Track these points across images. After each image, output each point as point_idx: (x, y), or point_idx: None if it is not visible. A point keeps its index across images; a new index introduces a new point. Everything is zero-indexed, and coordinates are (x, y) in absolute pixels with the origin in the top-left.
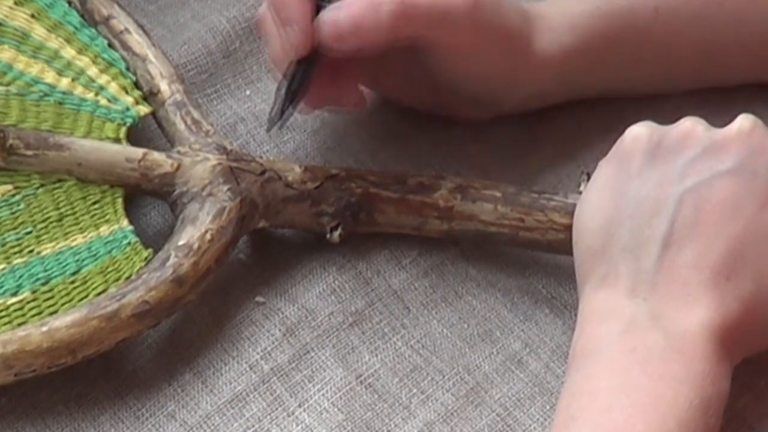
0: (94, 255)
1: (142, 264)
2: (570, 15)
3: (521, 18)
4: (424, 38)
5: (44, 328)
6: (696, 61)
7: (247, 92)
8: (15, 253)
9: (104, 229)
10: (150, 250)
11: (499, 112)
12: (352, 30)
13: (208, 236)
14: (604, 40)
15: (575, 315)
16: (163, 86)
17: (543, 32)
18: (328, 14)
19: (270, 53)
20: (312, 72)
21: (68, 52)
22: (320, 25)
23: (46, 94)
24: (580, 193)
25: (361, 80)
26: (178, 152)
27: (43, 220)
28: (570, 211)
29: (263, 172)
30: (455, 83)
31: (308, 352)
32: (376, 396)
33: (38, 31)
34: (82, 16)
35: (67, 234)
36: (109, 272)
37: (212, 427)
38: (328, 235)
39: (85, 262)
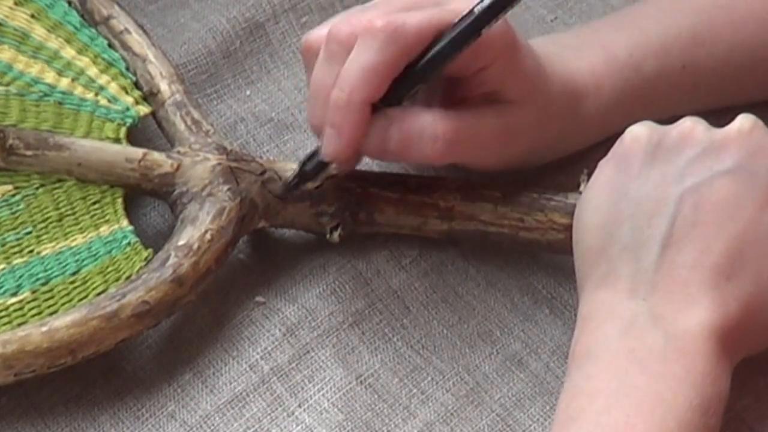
0: (94, 255)
1: (142, 264)
2: (605, 99)
3: (560, 117)
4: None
5: (44, 329)
6: (715, 99)
7: (247, 92)
8: (15, 253)
9: (104, 230)
10: (150, 250)
11: (546, 162)
12: (395, 153)
13: (208, 236)
14: (632, 107)
15: (575, 315)
16: (163, 86)
17: (587, 99)
18: (380, 127)
19: (310, 115)
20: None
21: (68, 53)
22: (368, 132)
23: (46, 94)
24: (580, 193)
25: None
26: (178, 152)
27: (43, 221)
28: (570, 211)
29: (263, 172)
30: (510, 163)
31: (308, 352)
32: (376, 396)
33: (38, 31)
34: (82, 16)
35: (67, 234)
36: (109, 272)
37: (212, 427)
38: (327, 235)
39: (85, 262)
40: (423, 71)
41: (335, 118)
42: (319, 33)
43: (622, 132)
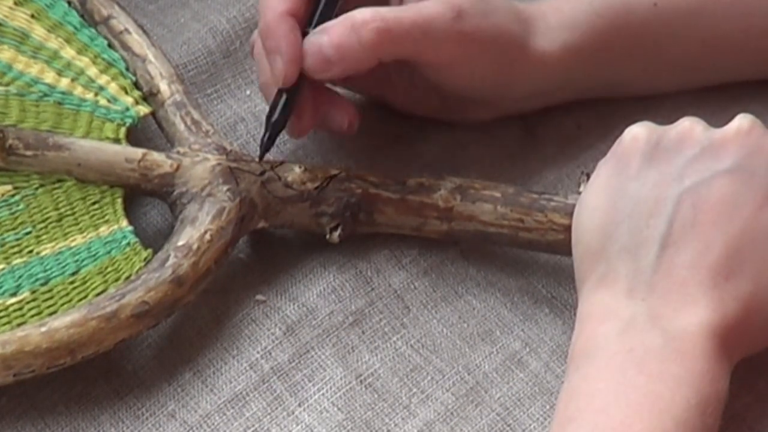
0: (94, 255)
1: (142, 264)
2: (566, 13)
3: (515, 19)
4: (412, 55)
5: (43, 329)
6: (696, 55)
7: (248, 92)
8: (14, 253)
9: (104, 230)
10: (149, 250)
11: (501, 113)
12: (335, 55)
13: (207, 237)
14: (602, 36)
15: (575, 314)
16: (163, 86)
17: (540, 32)
18: (311, 41)
19: (260, 80)
20: (297, 100)
21: (68, 53)
22: (305, 53)
23: (45, 95)
24: (580, 193)
25: (365, 95)
26: (178, 152)
27: (43, 221)
28: (569, 212)
29: (263, 173)
30: (453, 90)
31: (308, 351)
32: (376, 395)
33: (38, 32)
34: (82, 16)
35: (66, 234)
36: (108, 272)
37: (212, 427)
38: (327, 236)
39: (84, 263)
40: None
41: (269, 44)
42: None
43: (589, 89)
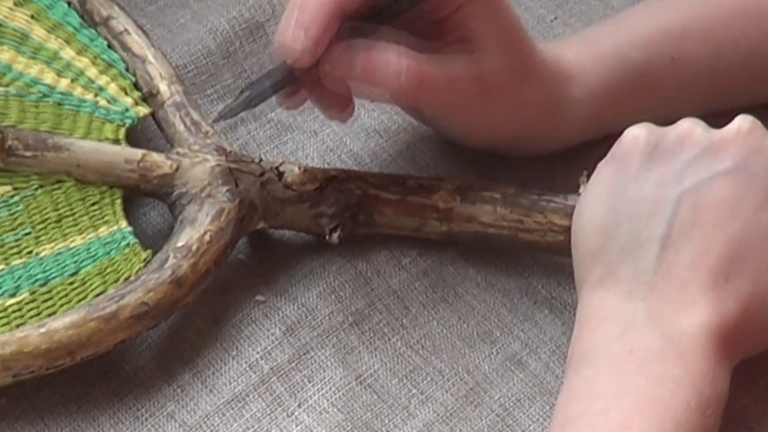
0: (93, 256)
1: (141, 265)
2: (592, 85)
3: (545, 93)
4: (434, 110)
5: (42, 330)
6: (708, 96)
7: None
8: (14, 254)
9: (103, 231)
10: (149, 251)
11: (537, 154)
12: (360, 78)
13: (207, 237)
14: (622, 98)
15: (575, 315)
16: (163, 87)
17: (567, 105)
18: (348, 49)
19: (275, 45)
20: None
21: (68, 53)
22: (333, 54)
23: (45, 95)
24: (580, 194)
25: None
26: (178, 153)
27: (42, 221)
28: (569, 213)
29: (262, 174)
30: (492, 132)
31: (308, 351)
32: (375, 396)
33: (38, 32)
34: (81, 16)
35: (66, 235)
36: (107, 273)
37: (212, 428)
38: (327, 237)
39: (83, 264)
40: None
41: (303, 15)
42: None
43: (614, 130)
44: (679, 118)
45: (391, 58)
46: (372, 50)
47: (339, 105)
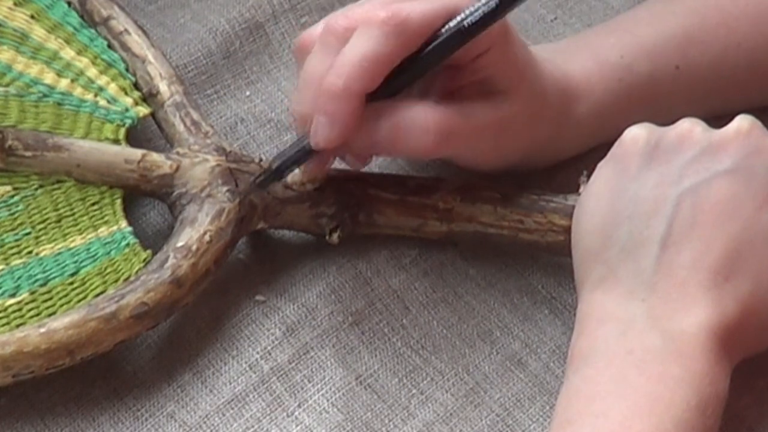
0: (93, 256)
1: (141, 265)
2: (599, 98)
3: (553, 118)
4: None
5: (42, 330)
6: (714, 100)
7: (247, 93)
8: (14, 254)
9: (103, 231)
10: (149, 251)
11: (542, 168)
12: (387, 145)
13: (206, 238)
14: (628, 109)
15: (575, 315)
16: (163, 87)
17: (573, 124)
18: (373, 119)
19: (296, 102)
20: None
21: (68, 53)
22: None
23: (45, 95)
24: (580, 194)
25: None
26: (177, 153)
27: (42, 221)
28: (569, 213)
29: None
30: (502, 160)
31: (308, 351)
32: (375, 396)
33: (38, 32)
34: (81, 16)
35: (65, 235)
36: (107, 273)
37: (212, 428)
38: (327, 237)
39: (83, 264)
40: (422, 64)
41: (328, 105)
42: (314, 30)
43: (619, 135)
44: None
45: (417, 117)
46: (396, 113)
47: (357, 163)
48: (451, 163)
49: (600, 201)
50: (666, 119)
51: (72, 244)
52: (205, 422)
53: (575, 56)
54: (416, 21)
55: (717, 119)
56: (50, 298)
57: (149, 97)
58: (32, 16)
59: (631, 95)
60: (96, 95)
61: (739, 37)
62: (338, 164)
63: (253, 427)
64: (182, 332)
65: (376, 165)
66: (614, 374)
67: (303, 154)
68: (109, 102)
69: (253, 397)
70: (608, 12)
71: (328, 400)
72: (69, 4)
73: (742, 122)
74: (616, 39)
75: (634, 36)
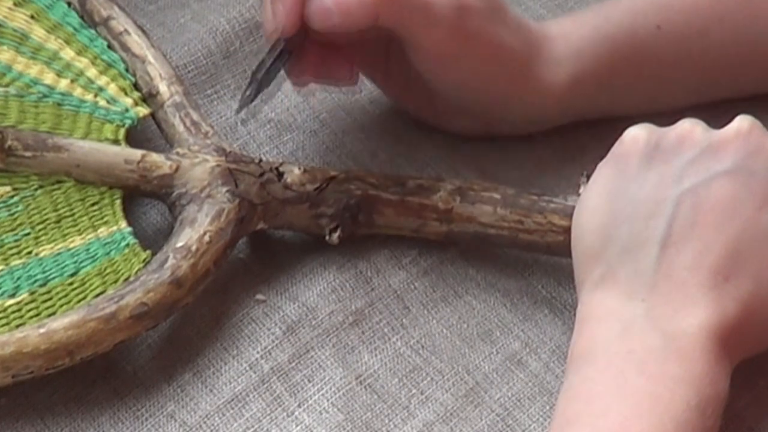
0: (93, 256)
1: (141, 266)
2: (573, 42)
3: (522, 39)
4: (408, 29)
5: (42, 330)
6: (698, 77)
7: (247, 93)
8: (13, 254)
9: (103, 231)
10: (149, 251)
11: (495, 132)
12: (336, 9)
13: (206, 238)
14: (608, 64)
15: (575, 315)
16: (163, 87)
17: (545, 61)
18: None
19: (264, 29)
20: (296, 52)
21: (67, 53)
22: (308, 4)
23: (45, 95)
24: (579, 195)
25: (362, 72)
26: (177, 154)
27: (42, 222)
28: (569, 213)
29: (262, 174)
30: (446, 93)
31: (308, 351)
32: (375, 396)
33: (37, 32)
34: (81, 17)
35: (65, 235)
36: (107, 274)
37: (212, 427)
38: (327, 237)
39: (83, 264)
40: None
41: None
42: None
43: (601, 111)
44: (672, 106)
45: None
46: None
47: (339, 68)
48: (447, 149)
49: (600, 201)
50: (652, 93)
51: (71, 245)
52: (205, 422)
53: (551, 19)
54: None
55: (716, 118)
56: (50, 299)
57: (149, 97)
58: (32, 17)
59: (608, 47)
60: (96, 95)
61: (721, 10)
62: (339, 164)
63: (253, 427)
64: (182, 332)
65: (377, 165)
66: (614, 374)
67: (278, 56)
68: (108, 102)
69: (254, 396)
70: None
71: (328, 400)
72: (69, 4)
73: (742, 122)
74: (595, 7)
75: (612, 3)
